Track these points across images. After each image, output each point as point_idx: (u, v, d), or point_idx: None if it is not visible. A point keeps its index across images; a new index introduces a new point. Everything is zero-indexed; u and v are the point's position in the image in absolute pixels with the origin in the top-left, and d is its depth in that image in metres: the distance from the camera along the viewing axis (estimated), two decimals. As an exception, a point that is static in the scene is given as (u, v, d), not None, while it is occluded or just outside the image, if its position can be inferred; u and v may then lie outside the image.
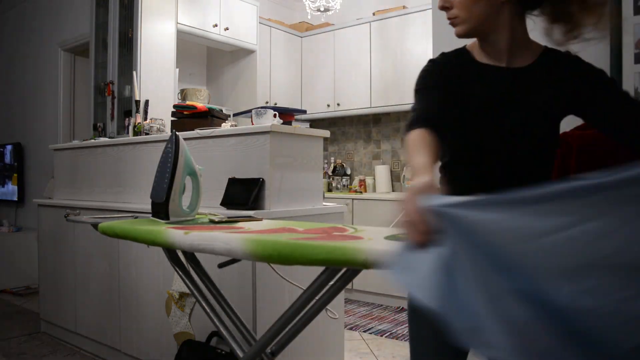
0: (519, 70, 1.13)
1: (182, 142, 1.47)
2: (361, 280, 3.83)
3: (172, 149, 1.44)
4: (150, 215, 1.52)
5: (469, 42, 1.21)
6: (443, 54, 1.21)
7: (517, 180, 1.14)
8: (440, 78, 1.16)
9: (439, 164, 1.08)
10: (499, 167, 1.16)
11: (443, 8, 1.11)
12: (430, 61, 1.21)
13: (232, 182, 2.04)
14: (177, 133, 1.48)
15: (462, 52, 1.20)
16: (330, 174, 4.74)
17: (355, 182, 4.57)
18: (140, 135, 2.71)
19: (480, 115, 1.15)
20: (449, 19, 1.12)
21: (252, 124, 2.16)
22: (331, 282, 1.10)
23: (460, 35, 1.15)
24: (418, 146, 0.98)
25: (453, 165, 1.24)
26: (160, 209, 1.43)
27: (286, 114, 2.35)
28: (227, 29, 4.03)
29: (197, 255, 1.50)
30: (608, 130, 1.10)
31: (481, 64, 1.17)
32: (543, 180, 1.18)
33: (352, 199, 4.05)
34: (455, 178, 1.24)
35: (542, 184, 1.11)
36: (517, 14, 1.10)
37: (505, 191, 0.86)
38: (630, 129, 1.05)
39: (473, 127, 1.16)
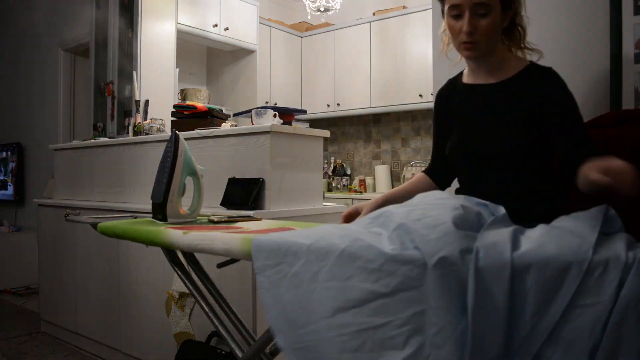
0: (493, 85, 1.18)
1: (182, 141, 1.45)
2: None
3: (172, 148, 1.42)
4: (150, 215, 1.52)
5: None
6: (442, 88, 1.32)
7: (503, 192, 1.14)
8: (436, 117, 1.34)
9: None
10: (483, 181, 1.18)
11: (470, 33, 1.09)
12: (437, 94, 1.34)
13: (232, 182, 2.04)
14: (177, 132, 1.45)
15: (456, 77, 1.28)
16: (330, 174, 4.73)
17: (355, 182, 4.57)
18: (140, 135, 2.71)
19: (461, 133, 1.22)
20: (469, 42, 1.10)
21: (252, 124, 2.16)
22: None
23: (470, 58, 1.18)
24: (403, 185, 1.39)
25: (459, 182, 1.31)
26: (159, 210, 1.41)
27: (286, 114, 2.35)
28: (227, 29, 4.03)
29: (197, 255, 1.49)
30: (558, 158, 1.13)
31: (465, 85, 1.23)
32: (532, 189, 1.19)
33: (352, 199, 4.05)
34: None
35: (530, 193, 1.13)
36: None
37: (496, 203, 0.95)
38: (568, 162, 1.08)
39: (456, 145, 1.23)
